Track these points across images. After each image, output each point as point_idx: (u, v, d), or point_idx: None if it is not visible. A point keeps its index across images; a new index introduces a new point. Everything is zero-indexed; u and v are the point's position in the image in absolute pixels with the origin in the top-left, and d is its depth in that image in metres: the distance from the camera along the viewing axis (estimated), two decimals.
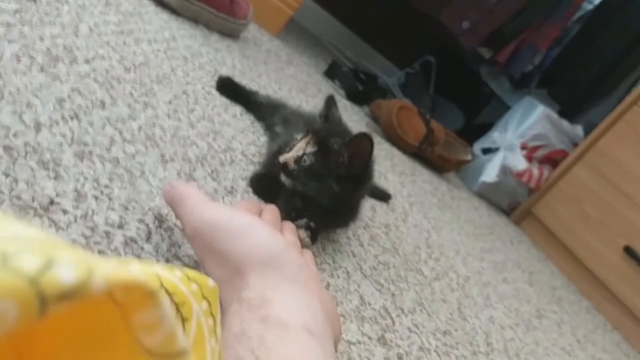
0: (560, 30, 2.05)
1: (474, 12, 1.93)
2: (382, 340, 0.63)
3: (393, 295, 0.75)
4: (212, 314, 0.27)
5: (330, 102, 0.78)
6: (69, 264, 0.14)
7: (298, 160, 0.67)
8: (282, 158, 0.68)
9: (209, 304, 0.27)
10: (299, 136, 0.70)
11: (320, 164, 0.67)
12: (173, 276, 0.25)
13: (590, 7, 2.07)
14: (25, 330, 0.17)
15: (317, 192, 0.68)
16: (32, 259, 0.14)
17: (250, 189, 0.72)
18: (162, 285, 0.23)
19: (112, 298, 0.16)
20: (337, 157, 0.67)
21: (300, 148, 0.68)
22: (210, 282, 0.26)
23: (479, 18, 1.93)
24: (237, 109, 0.93)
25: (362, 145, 0.67)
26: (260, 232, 0.46)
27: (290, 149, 0.69)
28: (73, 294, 0.14)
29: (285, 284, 0.41)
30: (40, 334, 0.17)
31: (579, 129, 2.05)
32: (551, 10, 1.99)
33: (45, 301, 0.13)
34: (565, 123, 2.02)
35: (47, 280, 0.14)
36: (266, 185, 0.71)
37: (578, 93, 2.15)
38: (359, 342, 0.60)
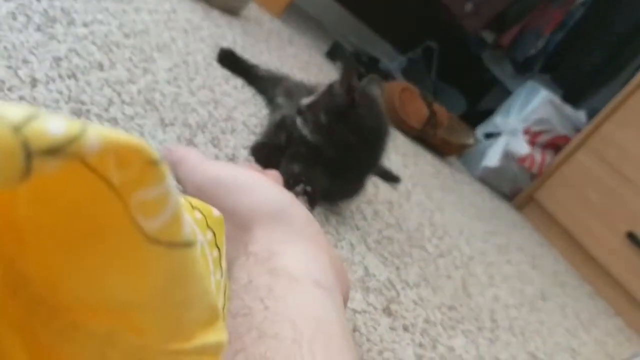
0: (564, 14, 2.03)
1: None
2: (388, 311, 0.62)
3: (397, 268, 0.74)
4: (216, 245, 0.26)
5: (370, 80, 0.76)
6: (59, 119, 0.13)
7: (314, 110, 0.68)
8: (304, 101, 0.69)
9: (214, 234, 0.26)
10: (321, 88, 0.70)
11: (332, 123, 0.68)
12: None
13: None
14: (13, 235, 0.15)
15: (327, 135, 0.69)
16: (16, 109, 0.12)
17: (251, 158, 0.70)
18: None
19: (107, 180, 0.14)
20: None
21: (315, 96, 0.69)
22: (215, 212, 0.24)
23: (482, 0, 1.91)
24: (238, 82, 0.91)
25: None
26: (265, 186, 0.44)
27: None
28: (63, 149, 0.12)
29: (293, 238, 0.39)
30: (29, 236, 0.15)
31: (582, 115, 2.03)
32: None
33: (31, 154, 0.12)
34: (568, 108, 2.00)
35: (33, 130, 0.12)
36: (268, 153, 0.69)
37: (581, 78, 2.13)
38: (365, 311, 0.58)
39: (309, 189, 0.65)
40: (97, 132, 0.13)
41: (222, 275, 0.26)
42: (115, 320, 0.17)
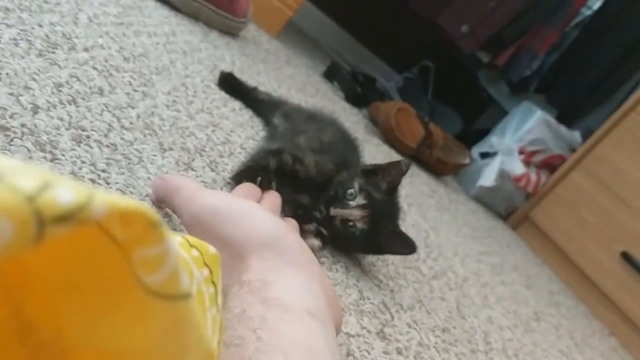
0: (558, 36, 2.06)
1: (473, 16, 1.93)
2: (382, 334, 0.62)
3: (392, 291, 0.75)
4: (213, 282, 0.26)
5: (406, 170, 0.76)
6: (68, 187, 0.14)
7: (346, 222, 0.69)
8: (333, 212, 0.69)
9: (210, 271, 0.26)
10: (358, 199, 0.70)
11: (363, 237, 0.70)
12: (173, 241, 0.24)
13: (589, 12, 2.07)
14: (21, 281, 0.16)
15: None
16: (29, 180, 0.13)
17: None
18: None
19: (111, 236, 0.15)
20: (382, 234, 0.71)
21: (354, 216, 0.69)
22: (211, 249, 0.25)
23: (478, 21, 1.93)
24: (236, 104, 0.92)
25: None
26: (260, 216, 0.45)
27: (344, 205, 0.69)
28: (72, 217, 0.13)
29: (286, 267, 0.40)
30: (36, 283, 0.16)
31: (576, 135, 2.05)
32: (550, 14, 1.99)
33: (43, 222, 0.13)
34: (563, 128, 2.02)
35: (45, 200, 0.13)
36: (253, 174, 0.66)
37: (576, 99, 2.15)
38: (358, 335, 0.59)
39: (323, 231, 0.66)
40: (103, 199, 0.14)
41: (217, 310, 0.26)
42: None
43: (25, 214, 0.12)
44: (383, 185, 0.73)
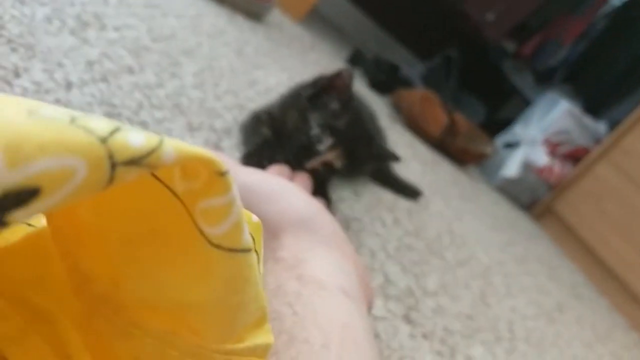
0: (585, 25, 2.02)
1: (498, 3, 1.91)
2: (407, 318, 0.62)
3: (416, 276, 0.74)
4: (255, 250, 0.26)
5: (350, 79, 0.67)
6: (138, 132, 0.13)
7: (324, 164, 0.64)
8: (309, 165, 0.63)
9: (253, 239, 0.26)
10: (326, 141, 0.63)
11: (347, 167, 0.66)
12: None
13: (617, 2, 2.03)
14: (77, 235, 0.16)
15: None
16: (101, 122, 0.13)
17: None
18: None
19: (172, 188, 0.15)
20: (363, 160, 0.67)
21: (329, 158, 0.64)
22: (254, 218, 0.25)
23: (504, 9, 1.91)
24: (261, 87, 0.92)
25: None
26: (294, 194, 0.45)
27: (315, 153, 0.63)
28: (142, 160, 0.13)
29: (320, 246, 0.40)
30: (93, 237, 0.16)
31: (602, 126, 2.02)
32: (577, 4, 1.96)
33: (115, 164, 0.12)
34: (588, 119, 1.99)
35: (117, 142, 0.13)
36: (259, 157, 0.64)
37: (602, 89, 2.11)
38: (384, 318, 0.59)
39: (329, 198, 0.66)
40: (172, 145, 0.14)
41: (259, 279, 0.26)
42: (174, 320, 0.17)
43: (99, 154, 0.12)
44: (335, 104, 0.65)
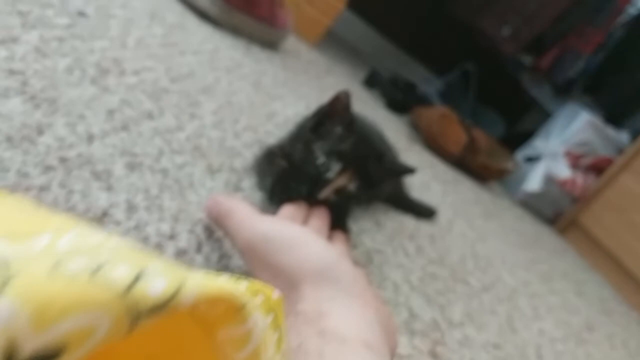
0: (603, 36, 2.01)
1: (514, 18, 1.90)
2: (433, 354, 0.62)
3: (442, 307, 0.74)
4: (278, 327, 0.27)
5: (348, 101, 0.66)
6: (160, 276, 0.14)
7: (338, 191, 0.63)
8: (323, 195, 0.62)
9: (275, 316, 0.27)
10: (334, 166, 0.62)
11: (362, 189, 0.64)
12: (239, 286, 0.24)
13: (634, 12, 2.02)
14: (106, 350, 0.17)
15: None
16: (124, 270, 0.13)
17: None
18: None
19: (194, 315, 0.15)
20: (376, 177, 0.65)
21: (342, 184, 0.63)
22: (275, 293, 0.25)
23: (520, 23, 1.90)
24: (280, 119, 0.92)
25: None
26: (312, 243, 0.45)
27: (325, 181, 0.62)
28: (163, 307, 0.14)
29: (341, 296, 0.40)
30: (119, 354, 0.16)
31: (624, 136, 1.99)
32: (594, 15, 1.95)
33: (137, 316, 0.13)
34: (610, 130, 1.97)
35: (137, 294, 0.13)
36: (282, 191, 0.64)
37: (623, 99, 2.09)
38: (410, 356, 0.58)
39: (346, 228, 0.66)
40: (193, 285, 0.14)
41: (281, 358, 0.27)
42: None
43: (119, 310, 0.13)
44: (338, 129, 0.64)
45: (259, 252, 0.45)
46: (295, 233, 0.46)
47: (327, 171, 0.62)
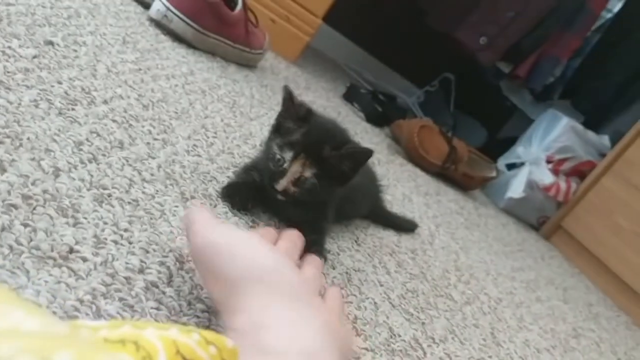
0: (580, 41, 2.03)
1: (490, 28, 1.92)
2: None
3: (423, 324, 0.73)
4: None
5: (289, 96, 0.70)
6: None
7: (297, 182, 0.66)
8: (280, 186, 0.66)
9: None
10: (287, 156, 0.66)
11: (321, 178, 0.67)
12: (190, 339, 0.24)
13: (609, 15, 2.04)
14: None
15: (316, 199, 0.70)
16: None
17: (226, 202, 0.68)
18: (178, 351, 0.22)
19: None
20: (335, 164, 0.67)
21: (297, 171, 0.66)
22: (229, 343, 0.24)
23: (496, 33, 1.91)
24: (257, 140, 0.92)
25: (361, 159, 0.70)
26: (254, 249, 0.45)
27: (282, 172, 0.66)
28: None
29: (279, 303, 0.40)
30: None
31: (605, 139, 2.01)
32: (569, 21, 1.97)
33: None
34: (591, 134, 1.99)
35: None
36: (237, 191, 0.69)
37: (602, 102, 2.11)
38: None
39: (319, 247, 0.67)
40: None
41: None
42: None
43: None
44: (291, 124, 0.68)
45: (206, 259, 0.45)
46: (240, 240, 0.45)
47: (283, 163, 0.66)
